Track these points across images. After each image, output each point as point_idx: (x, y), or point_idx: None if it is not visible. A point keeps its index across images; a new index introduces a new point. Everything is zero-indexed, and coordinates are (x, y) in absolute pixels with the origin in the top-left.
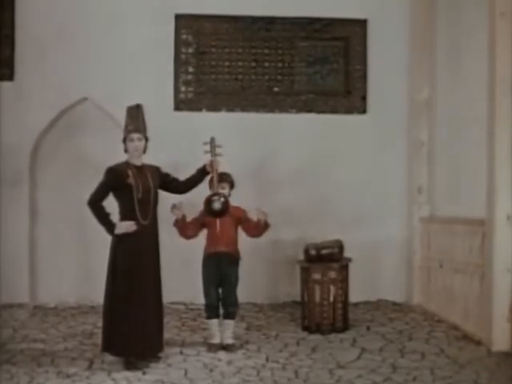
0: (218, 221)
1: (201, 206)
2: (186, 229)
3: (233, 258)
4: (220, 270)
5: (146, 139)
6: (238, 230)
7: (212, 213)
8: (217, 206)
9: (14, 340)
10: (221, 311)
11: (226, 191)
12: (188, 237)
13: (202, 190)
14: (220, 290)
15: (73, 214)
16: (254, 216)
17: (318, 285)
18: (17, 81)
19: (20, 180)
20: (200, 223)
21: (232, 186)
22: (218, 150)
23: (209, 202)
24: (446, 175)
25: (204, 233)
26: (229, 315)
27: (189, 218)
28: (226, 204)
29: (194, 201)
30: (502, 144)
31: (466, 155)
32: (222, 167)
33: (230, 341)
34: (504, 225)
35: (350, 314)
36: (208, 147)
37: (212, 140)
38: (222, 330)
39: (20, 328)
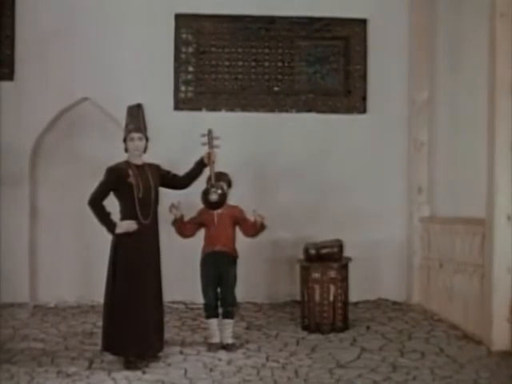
0: (215, 220)
1: (198, 205)
2: (183, 228)
3: (230, 258)
4: (218, 270)
5: (147, 139)
6: (235, 229)
7: (209, 204)
8: (213, 197)
9: (14, 339)
10: (220, 311)
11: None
12: (186, 236)
13: (200, 190)
14: (218, 290)
15: (73, 214)
16: (251, 217)
17: (318, 284)
18: (17, 81)
19: (20, 180)
20: (197, 222)
21: (229, 185)
22: (215, 142)
23: (206, 193)
24: (446, 175)
25: (202, 232)
26: (228, 314)
27: (186, 218)
28: (222, 195)
29: (192, 200)
30: (502, 144)
31: (466, 155)
32: (218, 162)
33: (229, 340)
34: (504, 225)
35: (350, 313)
36: (205, 139)
37: (209, 132)
38: (222, 330)
39: (20, 327)
